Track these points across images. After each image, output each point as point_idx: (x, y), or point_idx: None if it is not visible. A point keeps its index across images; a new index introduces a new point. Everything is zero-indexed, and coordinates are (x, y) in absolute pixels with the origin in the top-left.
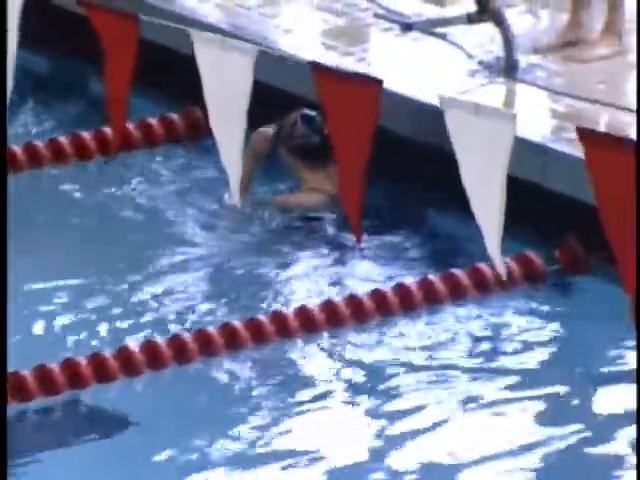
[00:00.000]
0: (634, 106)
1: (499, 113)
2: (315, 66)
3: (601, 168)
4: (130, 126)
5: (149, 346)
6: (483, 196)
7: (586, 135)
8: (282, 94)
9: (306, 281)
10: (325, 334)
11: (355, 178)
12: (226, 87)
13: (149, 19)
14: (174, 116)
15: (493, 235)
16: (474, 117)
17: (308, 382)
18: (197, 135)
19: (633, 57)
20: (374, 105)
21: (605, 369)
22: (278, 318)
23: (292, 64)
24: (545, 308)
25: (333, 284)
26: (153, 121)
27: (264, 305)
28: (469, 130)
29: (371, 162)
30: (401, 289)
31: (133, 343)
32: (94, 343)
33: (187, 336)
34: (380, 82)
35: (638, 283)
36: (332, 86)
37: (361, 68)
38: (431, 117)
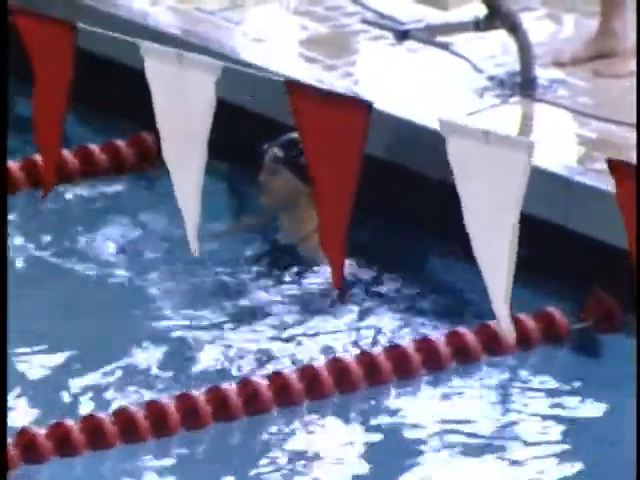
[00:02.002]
0: None
1: (512, 141)
2: (292, 84)
3: (635, 205)
4: (67, 155)
5: (124, 415)
6: (490, 243)
7: (618, 167)
8: (252, 117)
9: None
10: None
11: (338, 216)
12: (183, 111)
13: (89, 27)
14: (120, 143)
15: (499, 290)
16: (482, 146)
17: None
18: (147, 165)
19: None
20: (361, 132)
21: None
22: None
23: (264, 81)
24: (569, 373)
25: (311, 338)
26: (95, 149)
27: (259, 367)
28: (475, 162)
29: (358, 197)
30: (397, 352)
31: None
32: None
33: (167, 402)
34: (369, 105)
35: None
36: (312, 108)
37: (347, 84)
38: (431, 145)
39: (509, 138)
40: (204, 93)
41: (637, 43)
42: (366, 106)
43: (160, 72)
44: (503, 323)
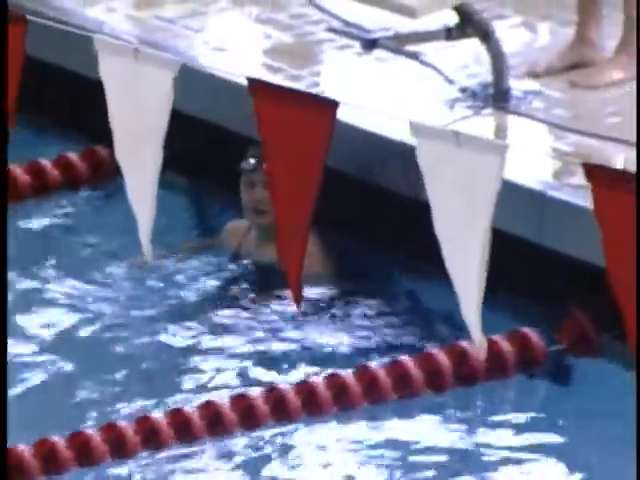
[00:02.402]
0: None
1: (485, 144)
2: (254, 83)
3: (614, 216)
4: (16, 170)
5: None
6: (461, 250)
7: (595, 173)
8: (210, 128)
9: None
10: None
11: (298, 224)
12: (139, 108)
13: (41, 32)
14: (73, 156)
15: (472, 299)
16: (453, 148)
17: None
18: (101, 179)
19: None
20: (326, 133)
21: (612, 470)
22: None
23: (223, 90)
24: (543, 398)
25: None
26: (46, 163)
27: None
28: (446, 165)
29: (326, 213)
30: (364, 374)
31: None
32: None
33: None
34: (335, 104)
35: None
36: (275, 108)
37: None
38: (401, 158)
39: (481, 140)
40: (161, 90)
41: (637, 44)
42: (332, 106)
43: (115, 68)
44: (474, 334)
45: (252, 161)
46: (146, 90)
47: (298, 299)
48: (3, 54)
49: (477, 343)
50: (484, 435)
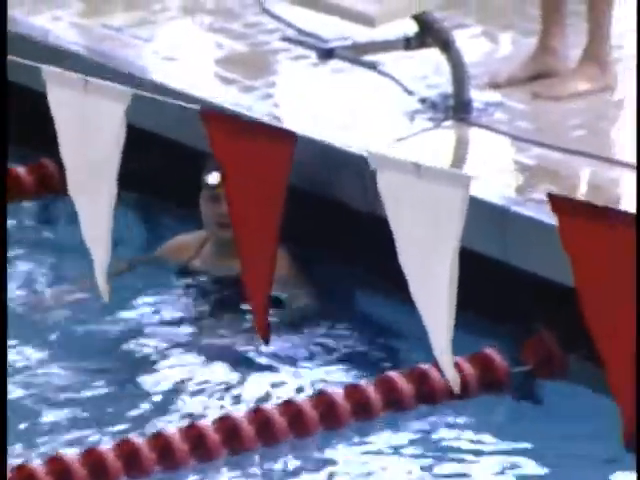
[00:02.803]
0: (621, 157)
1: (447, 175)
2: (208, 114)
3: (583, 247)
4: None
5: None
6: (428, 285)
7: (560, 203)
8: (166, 143)
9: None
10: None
11: (262, 259)
12: (90, 142)
13: None
14: (20, 170)
15: (441, 332)
16: (414, 180)
17: None
18: (49, 193)
19: (620, 93)
20: (285, 165)
21: None
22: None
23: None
24: (508, 421)
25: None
26: None
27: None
28: (408, 197)
29: (286, 234)
30: (321, 399)
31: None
32: None
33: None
34: (294, 136)
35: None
36: (231, 139)
37: (266, 107)
38: (358, 173)
39: (444, 171)
40: (112, 122)
41: (637, 46)
42: (292, 137)
43: (64, 99)
44: (447, 370)
45: (216, 175)
46: (97, 123)
47: (264, 333)
48: (3, 58)
49: (450, 379)
50: (445, 457)
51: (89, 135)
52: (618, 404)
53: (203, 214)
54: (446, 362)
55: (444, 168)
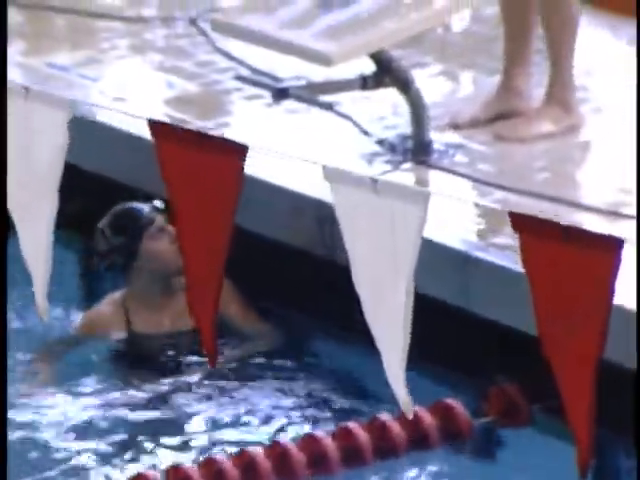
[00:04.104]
0: (587, 201)
1: (405, 191)
2: (156, 125)
3: (544, 269)
4: None
5: None
6: (382, 304)
7: (522, 222)
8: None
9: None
10: None
11: (210, 279)
12: (31, 153)
13: None
14: None
15: (396, 358)
16: (370, 196)
17: None
18: None
19: (585, 135)
20: (235, 178)
21: None
22: None
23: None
24: (470, 472)
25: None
26: None
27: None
28: (364, 214)
29: (238, 277)
30: (275, 450)
31: None
32: None
33: None
34: (244, 148)
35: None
36: (179, 152)
37: None
38: (315, 217)
39: (401, 187)
40: (54, 132)
41: (637, 56)
42: (241, 149)
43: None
44: (399, 393)
45: (148, 214)
46: (38, 133)
47: (213, 362)
48: (3, 60)
49: (403, 403)
50: None
51: (30, 146)
52: (575, 434)
53: (161, 265)
54: (400, 387)
55: (402, 183)
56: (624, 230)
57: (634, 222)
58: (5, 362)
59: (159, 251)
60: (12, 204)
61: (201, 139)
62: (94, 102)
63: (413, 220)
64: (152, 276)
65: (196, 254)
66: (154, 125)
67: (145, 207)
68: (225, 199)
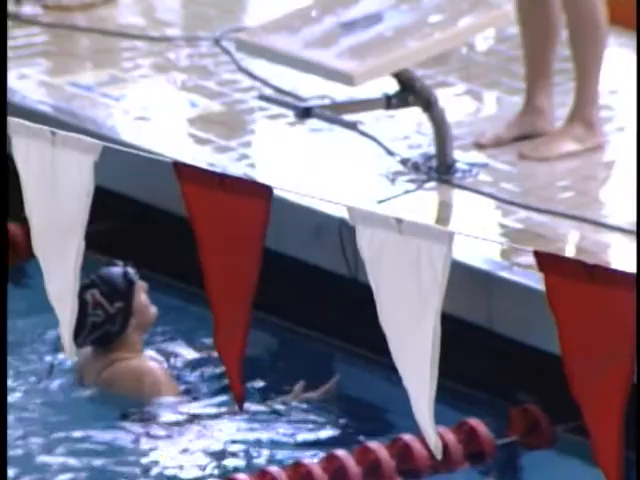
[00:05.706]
0: (611, 220)
1: (429, 231)
2: (181, 167)
3: (569, 307)
4: None
5: None
6: (409, 344)
7: (547, 262)
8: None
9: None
10: None
11: (236, 319)
12: (57, 197)
13: None
14: None
15: (424, 397)
16: (395, 236)
17: None
18: (15, 260)
19: (609, 154)
20: (261, 221)
21: None
22: None
23: (148, 164)
24: None
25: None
26: None
27: None
28: (388, 254)
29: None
30: (299, 470)
31: None
32: None
33: None
34: (269, 190)
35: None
36: (205, 194)
37: (242, 168)
38: (338, 236)
39: (425, 227)
40: (81, 177)
41: (637, 58)
42: (267, 191)
43: (30, 152)
44: (429, 435)
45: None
46: (65, 177)
47: (240, 401)
48: (3, 63)
49: (432, 444)
50: None
51: (56, 189)
52: (603, 472)
53: (145, 313)
54: (428, 427)
55: (426, 224)
56: None
57: None
58: (5, 362)
59: (147, 303)
60: (37, 246)
61: (226, 182)
62: (119, 143)
63: (439, 259)
64: (142, 330)
65: (224, 296)
66: (178, 167)
67: (116, 267)
68: (252, 239)
